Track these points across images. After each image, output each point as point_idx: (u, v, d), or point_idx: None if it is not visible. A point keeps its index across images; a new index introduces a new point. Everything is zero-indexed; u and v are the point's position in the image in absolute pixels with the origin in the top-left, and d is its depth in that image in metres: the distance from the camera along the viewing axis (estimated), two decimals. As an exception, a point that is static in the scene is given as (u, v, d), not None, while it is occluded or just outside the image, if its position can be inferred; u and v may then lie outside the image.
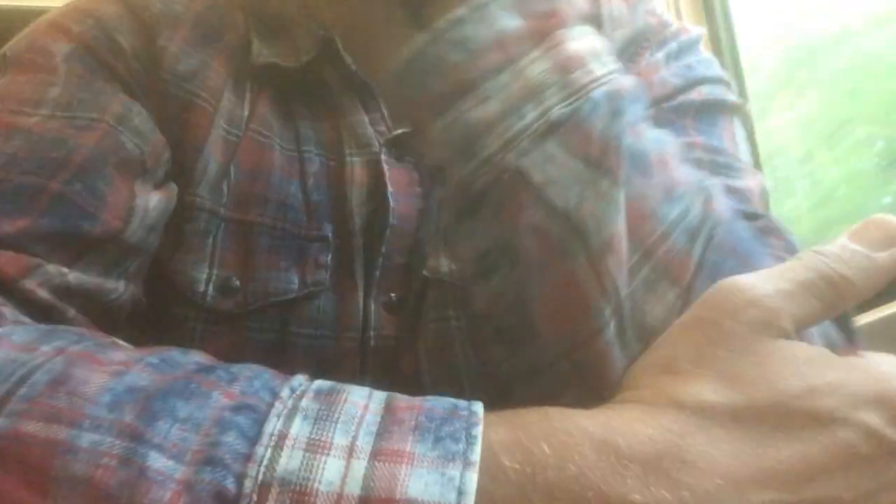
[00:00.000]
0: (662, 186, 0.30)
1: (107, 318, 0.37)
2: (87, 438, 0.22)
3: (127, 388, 0.23)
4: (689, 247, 0.29)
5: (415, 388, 0.26)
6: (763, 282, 0.27)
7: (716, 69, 0.47)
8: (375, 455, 0.22)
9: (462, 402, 0.25)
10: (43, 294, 0.34)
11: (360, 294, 0.45)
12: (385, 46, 0.44)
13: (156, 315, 0.43)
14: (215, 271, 0.44)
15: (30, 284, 0.33)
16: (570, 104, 0.28)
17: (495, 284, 0.30)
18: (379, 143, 0.46)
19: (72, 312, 0.35)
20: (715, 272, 0.29)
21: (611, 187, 0.28)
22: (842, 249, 0.28)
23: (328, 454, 0.22)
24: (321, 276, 0.45)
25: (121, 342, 0.28)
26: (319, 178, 0.46)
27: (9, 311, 0.31)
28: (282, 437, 0.22)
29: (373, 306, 0.45)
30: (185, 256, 0.43)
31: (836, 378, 0.25)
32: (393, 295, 0.45)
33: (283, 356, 0.43)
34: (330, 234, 0.45)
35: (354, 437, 0.23)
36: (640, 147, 0.30)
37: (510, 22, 0.30)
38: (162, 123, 0.43)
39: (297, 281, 0.44)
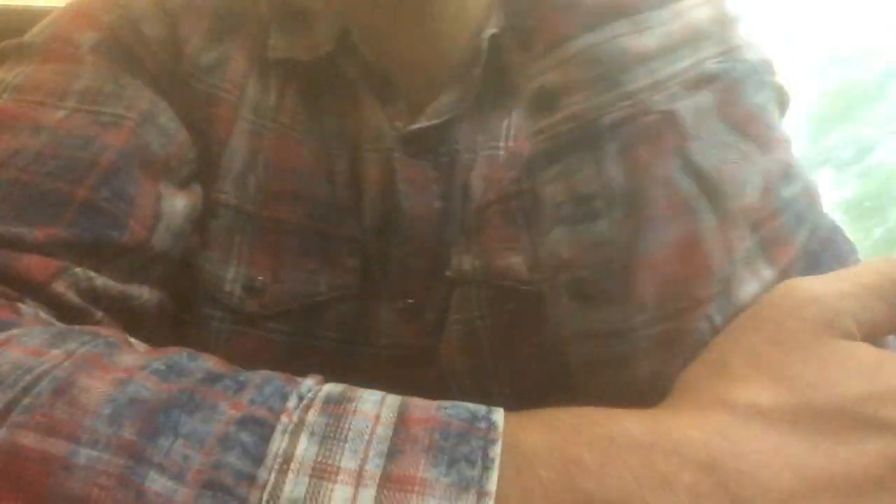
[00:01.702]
0: (781, 164, 0.28)
1: (133, 321, 0.37)
2: (84, 455, 0.21)
3: (129, 399, 0.22)
4: (795, 230, 0.27)
5: (439, 395, 0.25)
6: (826, 282, 0.26)
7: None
8: (385, 481, 0.21)
9: (481, 411, 0.23)
10: (72, 297, 0.33)
11: (378, 299, 0.44)
12: (397, 37, 0.44)
13: (182, 315, 0.42)
14: (242, 270, 0.42)
15: (59, 287, 0.33)
16: (724, 61, 0.27)
17: (597, 231, 0.27)
18: (393, 138, 0.44)
19: (99, 315, 0.35)
20: (814, 263, 0.28)
21: (755, 153, 0.27)
22: None
23: (335, 481, 0.21)
24: (349, 279, 0.43)
25: (134, 341, 0.28)
26: (345, 177, 0.44)
27: (31, 311, 0.31)
28: (287, 459, 0.21)
29: (387, 313, 0.43)
30: (211, 254, 0.42)
31: None
32: (411, 301, 0.43)
33: (305, 360, 0.42)
34: (359, 235, 0.44)
35: (363, 460, 0.21)
36: (773, 121, 0.29)
37: None
38: (186, 119, 0.42)
39: (324, 284, 0.43)
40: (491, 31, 0.44)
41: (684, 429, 0.22)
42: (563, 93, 0.28)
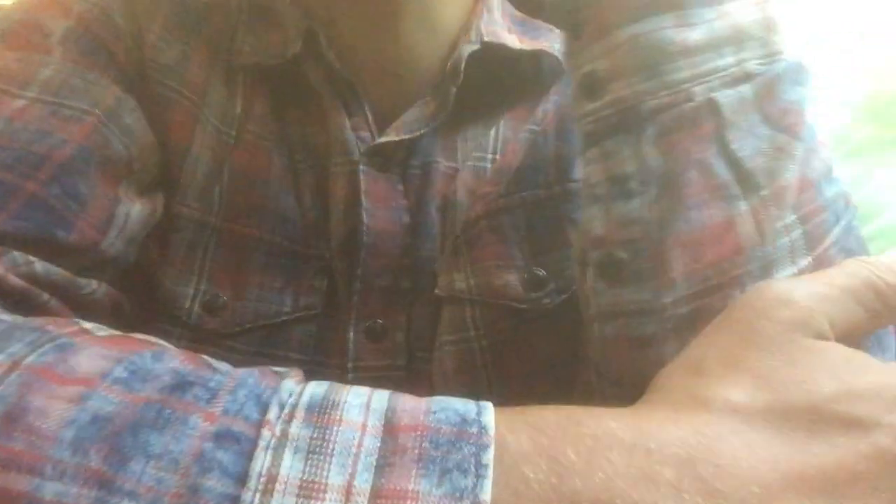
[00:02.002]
0: (824, 164, 0.29)
1: (83, 308, 0.35)
2: (50, 489, 0.19)
3: (92, 418, 0.21)
4: (833, 227, 0.28)
5: None
6: (800, 284, 0.26)
7: None
8: (375, 497, 0.20)
9: (471, 413, 0.22)
10: (13, 280, 0.31)
11: (343, 319, 0.42)
12: (363, 45, 0.43)
13: (139, 329, 0.41)
14: (203, 287, 0.41)
15: None
16: (765, 63, 0.28)
17: (630, 209, 0.29)
18: (359, 150, 0.42)
19: (45, 297, 0.33)
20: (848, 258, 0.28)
21: (789, 143, 0.28)
22: (892, 260, 0.27)
23: (323, 499, 0.20)
24: (314, 300, 0.42)
25: (88, 326, 0.26)
26: (312, 192, 0.43)
27: None
28: (271, 478, 0.20)
29: (351, 334, 0.41)
30: (170, 269, 0.40)
31: (876, 381, 0.23)
32: (380, 321, 0.42)
33: None
34: (326, 254, 0.42)
35: (352, 475, 0.20)
36: (812, 122, 0.29)
37: None
38: (150, 121, 0.40)
39: (289, 304, 0.41)
40: (472, 47, 0.43)
41: (664, 426, 0.23)
42: (608, 79, 0.29)
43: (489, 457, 0.21)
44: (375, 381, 0.40)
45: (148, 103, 0.41)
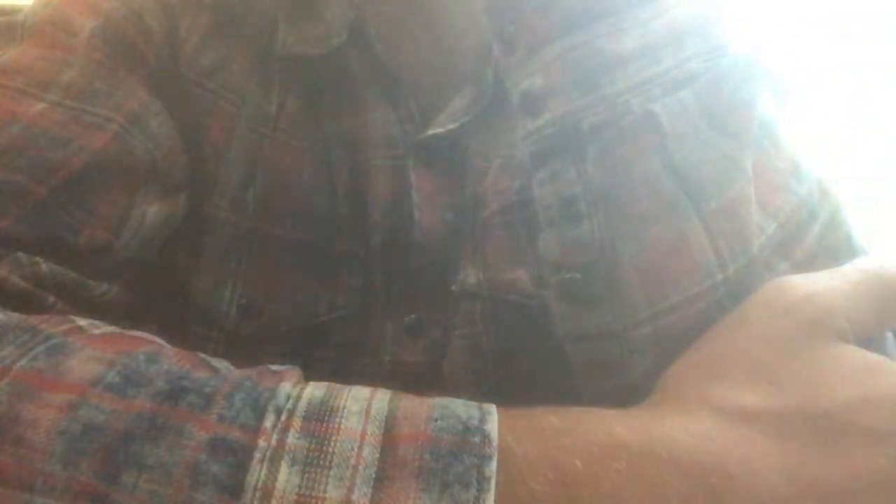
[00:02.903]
0: (791, 160, 0.28)
1: (93, 310, 0.33)
2: None
3: (83, 428, 0.20)
4: (808, 225, 0.28)
5: None
6: (818, 280, 0.25)
7: None
8: None
9: (474, 420, 0.22)
10: (16, 281, 0.30)
11: (380, 316, 0.41)
12: (412, 33, 0.42)
13: (174, 335, 0.40)
14: (238, 291, 0.40)
15: (1, 272, 0.30)
16: (707, 60, 0.27)
17: (581, 233, 0.28)
18: (406, 144, 0.41)
19: (50, 299, 0.32)
20: (833, 260, 0.28)
21: (735, 150, 0.27)
22: None
23: None
24: (351, 299, 0.41)
25: (83, 323, 0.25)
26: (347, 187, 0.42)
27: None
28: (266, 492, 0.19)
29: (391, 330, 0.41)
30: (204, 273, 0.40)
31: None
32: (414, 316, 0.41)
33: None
34: (361, 252, 0.42)
35: (350, 489, 0.20)
36: (771, 118, 0.28)
37: None
38: (180, 125, 0.40)
39: (325, 304, 0.41)
40: None
41: (674, 433, 0.22)
42: (545, 96, 0.28)
43: (492, 469, 0.20)
44: (413, 376, 0.41)
45: (182, 106, 0.40)
